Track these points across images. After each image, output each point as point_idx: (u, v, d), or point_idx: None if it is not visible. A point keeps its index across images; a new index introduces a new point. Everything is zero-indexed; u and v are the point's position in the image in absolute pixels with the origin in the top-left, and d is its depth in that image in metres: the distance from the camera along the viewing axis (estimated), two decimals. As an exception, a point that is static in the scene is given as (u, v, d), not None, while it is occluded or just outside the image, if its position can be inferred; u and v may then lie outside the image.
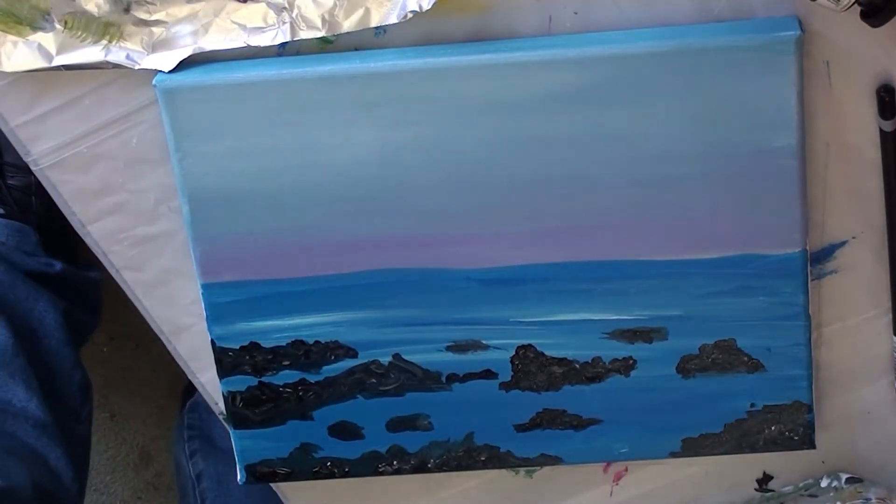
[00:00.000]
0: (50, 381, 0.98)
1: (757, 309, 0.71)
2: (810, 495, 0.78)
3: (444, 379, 0.73)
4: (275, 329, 0.73)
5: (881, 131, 0.69)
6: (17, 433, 0.93)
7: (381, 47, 0.69)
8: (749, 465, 0.79)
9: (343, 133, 0.68)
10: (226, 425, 0.76)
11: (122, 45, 0.69)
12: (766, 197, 0.68)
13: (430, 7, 0.66)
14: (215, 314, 0.73)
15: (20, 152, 0.71)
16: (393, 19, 0.67)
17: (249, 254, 0.71)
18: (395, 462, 0.76)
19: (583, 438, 0.74)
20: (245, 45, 0.69)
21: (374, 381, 0.74)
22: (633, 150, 0.68)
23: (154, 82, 0.68)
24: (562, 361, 0.73)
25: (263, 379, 0.74)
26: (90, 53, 0.69)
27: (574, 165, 0.68)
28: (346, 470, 0.76)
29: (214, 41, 0.69)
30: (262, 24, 0.68)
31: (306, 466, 0.76)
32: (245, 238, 0.71)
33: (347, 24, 0.68)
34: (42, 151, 0.71)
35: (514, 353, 0.73)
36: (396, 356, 0.73)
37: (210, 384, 0.76)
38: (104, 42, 0.69)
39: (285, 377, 0.74)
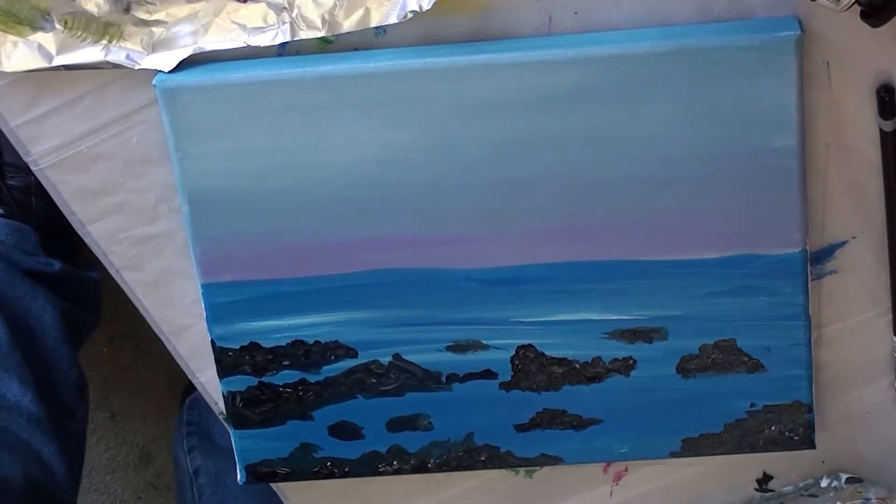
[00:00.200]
0: (46, 378, 0.98)
1: (757, 309, 0.71)
2: (810, 495, 0.78)
3: (444, 379, 0.73)
4: (275, 329, 0.73)
5: (881, 131, 0.69)
6: (9, 427, 0.94)
7: (381, 47, 0.69)
8: (749, 465, 0.79)
9: (343, 133, 0.68)
10: (226, 425, 0.76)
11: (122, 45, 0.69)
12: (766, 197, 0.68)
13: (430, 7, 0.66)
14: (215, 314, 0.73)
15: (20, 152, 0.71)
16: (393, 19, 0.67)
17: (249, 254, 0.71)
18: (395, 462, 0.76)
19: (583, 438, 0.74)
20: (245, 45, 0.69)
21: (374, 381, 0.74)
22: (633, 150, 0.68)
23: (154, 82, 0.68)
24: (562, 361, 0.73)
25: (263, 379, 0.74)
26: (90, 53, 0.69)
27: (574, 165, 0.68)
28: (346, 470, 0.76)
29: (214, 41, 0.69)
30: (262, 24, 0.68)
31: (306, 466, 0.76)
32: (245, 238, 0.71)
33: (347, 24, 0.68)
34: (42, 151, 0.71)
35: (514, 353, 0.73)
36: (396, 356, 0.73)
37: (210, 384, 0.76)
38: (104, 42, 0.69)
39: (285, 377, 0.74)
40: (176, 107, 0.68)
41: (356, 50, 0.69)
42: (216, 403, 0.77)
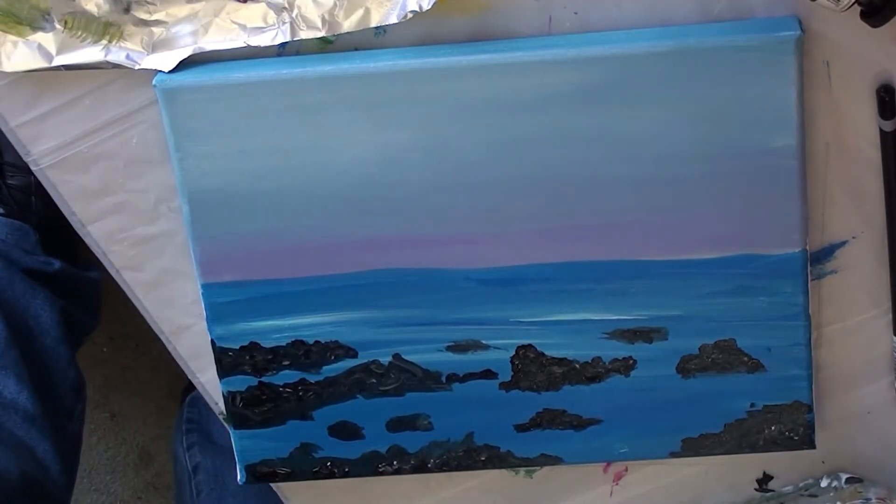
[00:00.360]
0: (43, 377, 0.98)
1: (757, 309, 0.71)
2: (810, 495, 0.78)
3: (444, 379, 0.73)
4: (275, 329, 0.73)
5: (881, 131, 0.69)
6: (5, 424, 0.94)
7: (381, 47, 0.69)
8: (749, 465, 0.79)
9: (343, 133, 0.68)
10: (226, 425, 0.76)
11: (122, 45, 0.69)
12: (766, 197, 0.68)
13: (430, 7, 0.66)
14: (215, 314, 0.73)
15: (20, 152, 0.71)
16: (393, 19, 0.67)
17: (249, 254, 0.71)
18: (395, 462, 0.76)
19: (583, 438, 0.74)
20: (245, 45, 0.69)
21: (374, 381, 0.74)
22: (633, 150, 0.68)
23: (154, 82, 0.68)
24: (562, 361, 0.73)
25: (263, 379, 0.74)
26: (90, 53, 0.69)
27: (574, 165, 0.68)
28: (346, 470, 0.76)
29: (214, 41, 0.69)
30: (262, 24, 0.68)
31: (306, 466, 0.76)
32: (245, 238, 0.71)
33: (347, 24, 0.68)
34: (42, 151, 0.71)
35: (514, 353, 0.73)
36: (396, 356, 0.73)
37: (210, 384, 0.76)
38: (104, 42, 0.69)
39: (285, 377, 0.74)
40: (176, 107, 0.68)
41: (356, 50, 0.69)
42: (216, 403, 0.77)
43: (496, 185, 0.69)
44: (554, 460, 0.75)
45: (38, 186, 0.75)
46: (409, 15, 0.67)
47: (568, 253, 0.70)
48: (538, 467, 0.78)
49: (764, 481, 0.79)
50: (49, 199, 0.73)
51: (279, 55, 0.69)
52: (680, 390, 0.73)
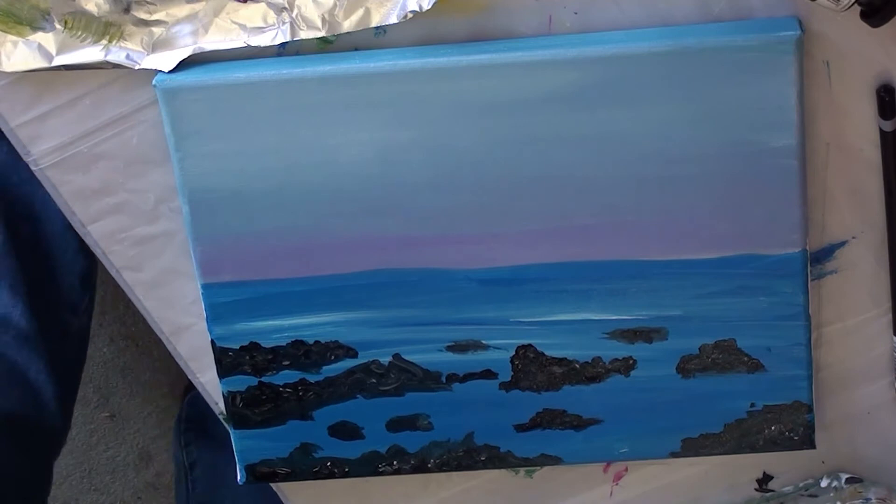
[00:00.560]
0: (46, 271, 0.93)
1: (757, 309, 0.71)
2: (810, 495, 0.78)
3: (444, 379, 0.73)
4: (275, 329, 0.73)
5: (881, 131, 0.69)
6: None
7: (381, 47, 0.69)
8: (749, 465, 0.79)
9: (343, 133, 0.68)
10: (226, 425, 0.76)
11: (122, 45, 0.69)
12: (766, 197, 0.68)
13: (430, 7, 0.66)
14: (215, 314, 0.73)
15: (20, 152, 0.71)
16: (393, 19, 0.67)
17: (249, 254, 0.71)
18: (395, 462, 0.76)
19: (583, 438, 0.74)
20: (245, 45, 0.69)
21: (374, 381, 0.74)
22: (633, 150, 0.68)
23: (154, 82, 0.68)
24: (562, 361, 0.73)
25: (263, 379, 0.74)
26: (90, 53, 0.69)
27: (574, 165, 0.68)
28: (346, 470, 0.76)
29: (214, 41, 0.69)
30: (262, 24, 0.68)
31: (306, 466, 0.76)
32: (245, 238, 0.71)
33: (347, 24, 0.68)
34: (42, 151, 0.71)
35: (514, 353, 0.73)
36: (396, 356, 0.73)
37: (210, 384, 0.76)
38: (104, 42, 0.69)
39: (285, 377, 0.74)
40: (176, 107, 0.68)
41: (356, 50, 0.69)
42: (216, 403, 0.77)
43: (496, 185, 0.69)
44: (554, 460, 0.75)
45: None
46: (409, 15, 0.67)
47: (568, 253, 0.70)
48: (538, 467, 0.78)
49: (764, 481, 0.79)
50: None
51: (279, 55, 0.69)
52: (680, 390, 0.73)
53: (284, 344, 0.73)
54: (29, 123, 0.71)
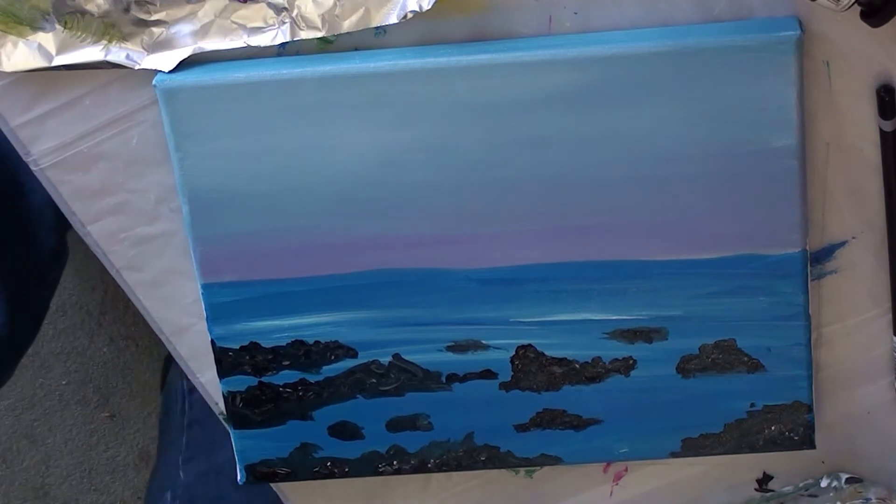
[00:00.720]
0: (19, 235, 0.94)
1: (757, 309, 0.71)
2: (810, 495, 0.78)
3: (444, 379, 0.73)
4: (275, 329, 0.73)
5: (881, 131, 0.69)
6: None
7: (381, 47, 0.69)
8: (749, 465, 0.79)
9: (343, 133, 0.68)
10: (226, 425, 0.76)
11: (122, 45, 0.69)
12: (766, 197, 0.68)
13: (430, 7, 0.66)
14: (215, 314, 0.73)
15: (20, 152, 0.71)
16: (393, 19, 0.67)
17: (249, 254, 0.71)
18: (395, 462, 0.76)
19: (583, 438, 0.74)
20: (245, 45, 0.69)
21: (374, 381, 0.74)
22: (633, 150, 0.68)
23: (154, 82, 0.68)
24: (562, 361, 0.73)
25: (263, 379, 0.74)
26: (90, 53, 0.69)
27: (574, 165, 0.68)
28: (346, 470, 0.76)
29: (214, 41, 0.69)
30: (262, 24, 0.68)
31: (306, 466, 0.76)
32: (245, 238, 0.71)
33: (347, 24, 0.68)
34: (42, 151, 0.71)
35: (514, 353, 0.73)
36: (396, 356, 0.73)
37: (210, 384, 0.76)
38: (104, 42, 0.69)
39: (285, 377, 0.74)
40: (176, 107, 0.68)
41: (356, 50, 0.69)
42: (216, 403, 0.77)
43: (496, 185, 0.69)
44: (554, 460, 0.75)
45: None
46: (409, 15, 0.67)
47: (568, 253, 0.70)
48: (538, 467, 0.78)
49: (764, 481, 0.79)
50: None
51: (279, 55, 0.69)
52: (680, 390, 0.73)
53: (284, 344, 0.73)
54: (29, 123, 0.71)
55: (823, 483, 0.78)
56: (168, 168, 0.71)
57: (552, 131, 0.68)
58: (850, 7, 0.63)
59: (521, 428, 0.74)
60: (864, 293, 0.73)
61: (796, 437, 0.74)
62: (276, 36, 0.68)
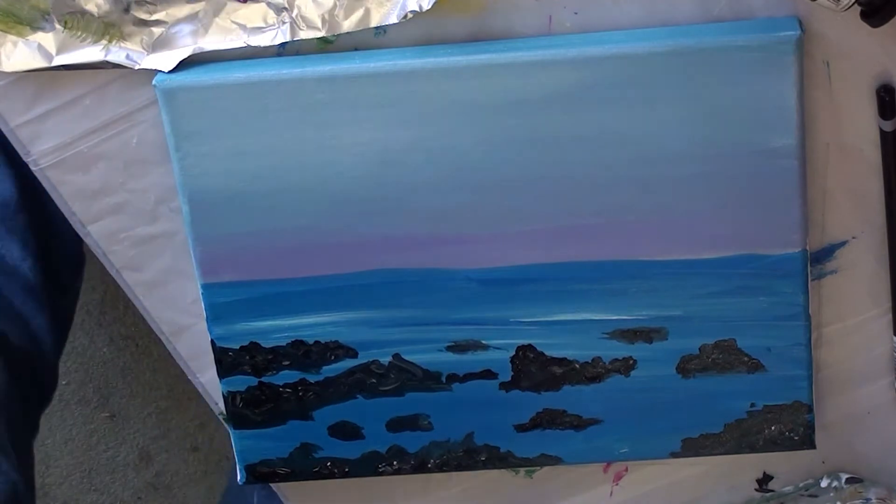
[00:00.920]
0: (48, 247, 0.95)
1: (757, 309, 0.71)
2: (810, 495, 0.78)
3: (444, 379, 0.73)
4: (275, 329, 0.73)
5: (881, 131, 0.69)
6: (3, 292, 0.92)
7: (381, 47, 0.69)
8: (749, 465, 0.79)
9: (343, 133, 0.68)
10: (226, 425, 0.76)
11: (122, 45, 0.69)
12: (766, 197, 0.68)
13: (430, 7, 0.66)
14: (215, 314, 0.73)
15: (20, 152, 0.71)
16: (393, 19, 0.67)
17: (249, 254, 0.71)
18: (395, 462, 0.76)
19: (583, 438, 0.74)
20: (245, 45, 0.69)
21: (374, 381, 0.74)
22: (633, 150, 0.68)
23: (154, 82, 0.68)
24: (562, 361, 0.73)
25: (263, 379, 0.74)
26: (90, 53, 0.69)
27: (574, 165, 0.68)
28: (346, 470, 0.76)
29: (214, 41, 0.69)
30: (262, 24, 0.68)
31: (306, 466, 0.76)
32: (245, 238, 0.71)
33: (347, 24, 0.68)
34: (42, 151, 0.71)
35: (514, 353, 0.73)
36: (396, 356, 0.73)
37: (210, 384, 0.76)
38: (104, 42, 0.69)
39: (285, 377, 0.74)
40: (176, 107, 0.68)
41: (356, 50, 0.69)
42: (216, 403, 0.77)
43: (496, 185, 0.69)
44: (554, 460, 0.75)
45: None
46: (409, 15, 0.67)
47: (568, 253, 0.70)
48: (538, 467, 0.78)
49: (764, 481, 0.79)
50: None
51: (279, 55, 0.69)
52: (680, 390, 0.73)
53: (284, 344, 0.73)
54: (29, 123, 0.71)
55: (823, 483, 0.78)
56: (168, 168, 0.71)
57: (552, 131, 0.68)
58: (850, 7, 0.63)
59: (521, 428, 0.74)
60: (864, 293, 0.73)
61: (796, 437, 0.74)
62: (276, 36, 0.68)
